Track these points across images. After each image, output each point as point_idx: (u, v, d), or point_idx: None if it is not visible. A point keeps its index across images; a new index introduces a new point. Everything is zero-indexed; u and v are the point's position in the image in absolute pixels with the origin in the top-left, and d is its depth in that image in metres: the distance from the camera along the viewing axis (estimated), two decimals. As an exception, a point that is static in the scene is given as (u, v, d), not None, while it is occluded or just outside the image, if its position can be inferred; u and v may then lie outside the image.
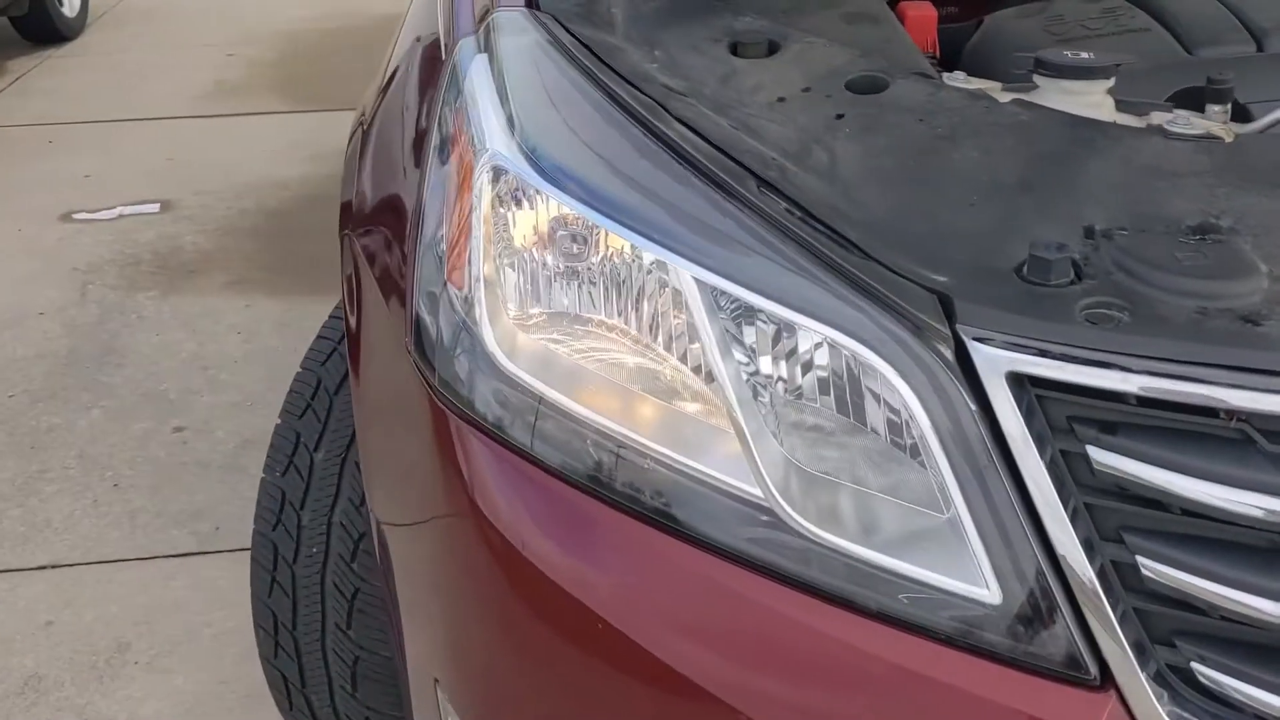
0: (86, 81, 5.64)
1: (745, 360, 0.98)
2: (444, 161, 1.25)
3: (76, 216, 4.16)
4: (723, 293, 0.99)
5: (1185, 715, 0.85)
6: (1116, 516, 0.87)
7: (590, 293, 1.08)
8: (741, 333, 0.98)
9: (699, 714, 0.98)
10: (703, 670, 0.98)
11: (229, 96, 5.37)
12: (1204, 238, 0.94)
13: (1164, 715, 0.85)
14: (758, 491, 0.96)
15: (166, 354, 3.28)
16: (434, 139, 1.30)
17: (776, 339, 0.97)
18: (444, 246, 1.18)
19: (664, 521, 0.98)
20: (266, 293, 3.58)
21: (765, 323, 0.97)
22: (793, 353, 0.97)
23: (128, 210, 4.18)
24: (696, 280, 1.00)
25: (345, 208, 1.54)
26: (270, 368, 3.19)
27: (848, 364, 0.94)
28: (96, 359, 3.26)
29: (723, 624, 0.98)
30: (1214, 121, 1.14)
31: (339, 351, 1.63)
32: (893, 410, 0.92)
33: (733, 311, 0.99)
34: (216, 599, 2.37)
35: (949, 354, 0.89)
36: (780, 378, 0.97)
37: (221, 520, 2.60)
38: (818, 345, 0.95)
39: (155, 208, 4.20)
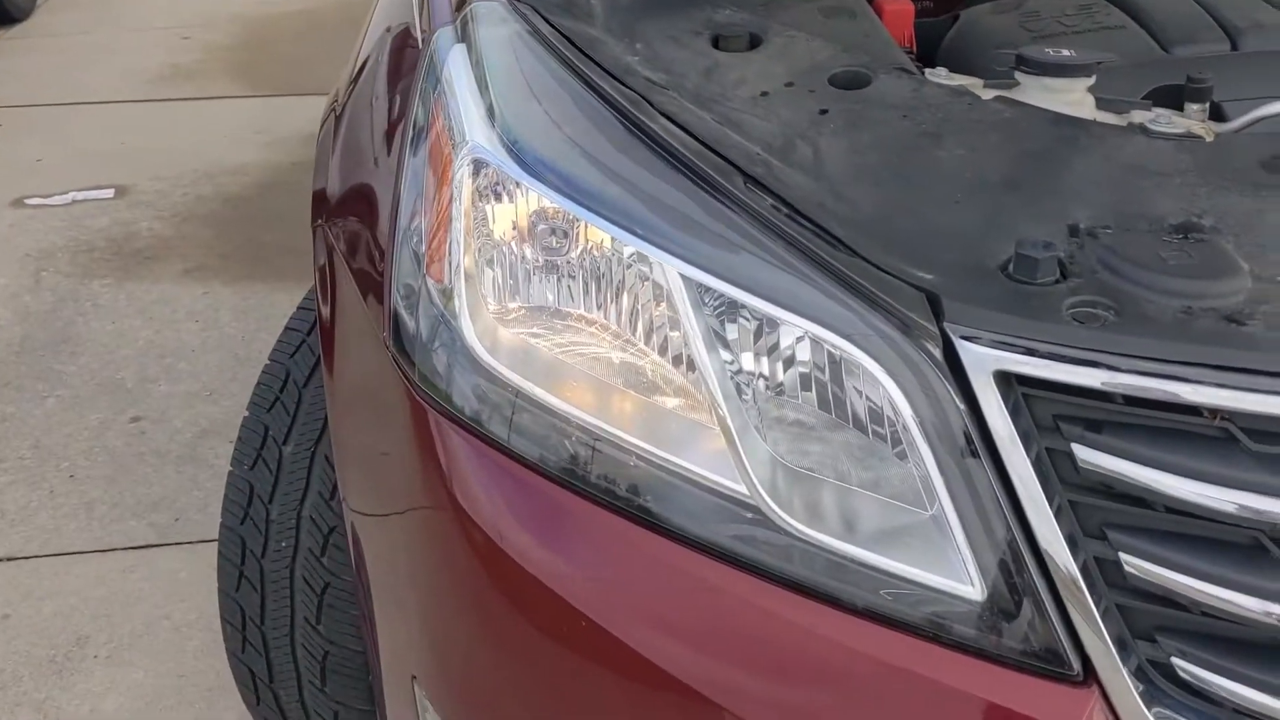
0: (37, 64, 5.52)
1: (729, 356, 0.98)
2: (420, 152, 1.23)
3: (29, 202, 4.08)
4: (708, 288, 0.99)
5: (1166, 710, 0.86)
6: (1100, 513, 0.87)
7: (570, 287, 1.07)
8: (725, 328, 0.98)
9: (680, 709, 0.98)
10: (684, 666, 0.97)
11: (185, 80, 5.28)
12: (1187, 237, 0.94)
13: (1145, 710, 0.85)
14: (743, 488, 0.96)
15: (123, 342, 3.22)
16: (409, 129, 1.28)
17: (759, 334, 0.97)
18: (422, 239, 1.16)
19: (644, 517, 0.97)
20: (224, 280, 3.53)
21: (748, 318, 0.97)
22: (775, 349, 0.97)
23: (81, 195, 4.10)
24: (683, 276, 0.99)
25: (317, 197, 1.52)
26: (229, 356, 3.14)
27: (830, 360, 0.94)
28: (51, 347, 3.20)
29: (704, 620, 0.98)
30: (1194, 120, 1.15)
31: (308, 344, 1.61)
32: (876, 407, 0.92)
33: (717, 307, 0.99)
34: (176, 591, 2.34)
35: (938, 352, 0.90)
36: (763, 374, 0.97)
37: (180, 511, 2.57)
38: (800, 341, 0.95)
39: (110, 193, 4.12)
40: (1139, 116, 1.14)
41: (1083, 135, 1.08)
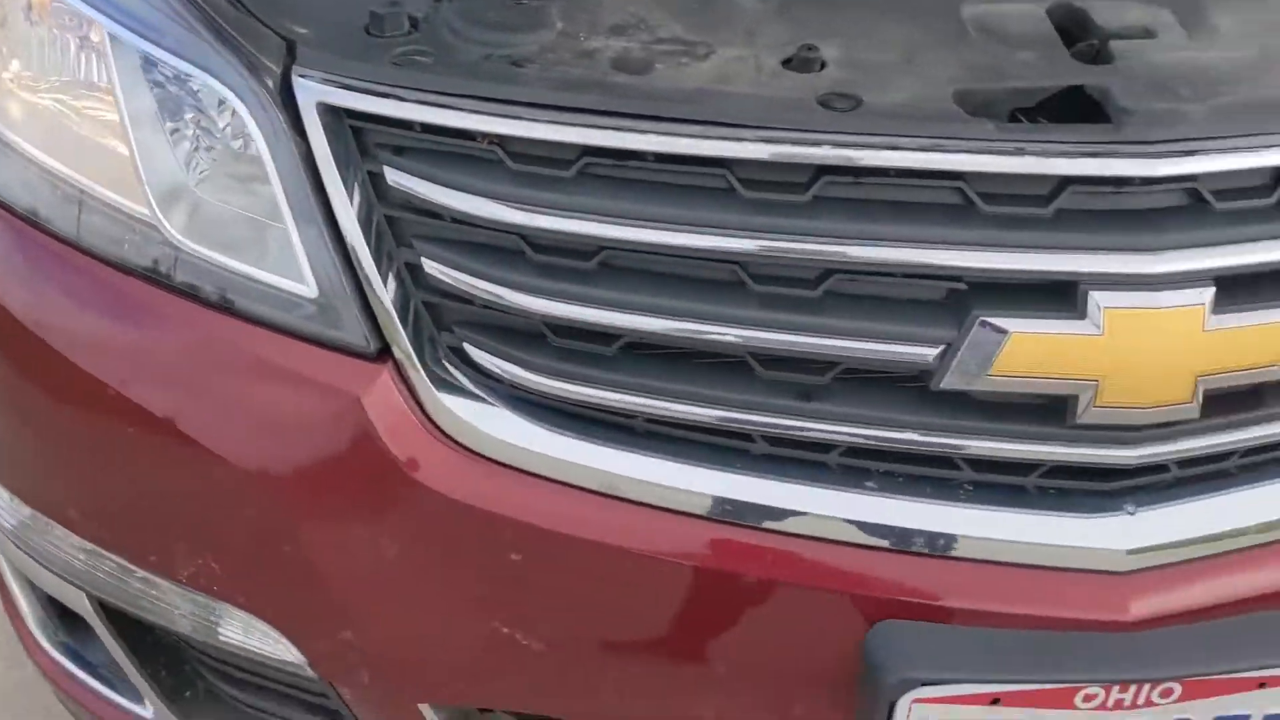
0: None
1: (153, 106, 1.13)
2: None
3: None
4: (144, 53, 1.14)
5: (454, 380, 1.05)
6: (408, 226, 1.05)
7: (82, 59, 1.21)
8: (151, 85, 1.14)
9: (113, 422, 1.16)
10: (112, 372, 1.16)
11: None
12: (525, 3, 1.11)
13: (430, 385, 1.05)
14: (148, 212, 1.12)
15: None
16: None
17: (176, 83, 1.12)
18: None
19: (53, 232, 1.17)
20: None
21: (169, 74, 1.12)
22: (192, 94, 1.12)
23: None
24: (111, 36, 1.14)
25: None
26: None
27: (217, 104, 1.10)
28: None
29: (129, 330, 1.17)
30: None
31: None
32: (249, 143, 1.09)
33: (148, 68, 1.14)
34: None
35: (275, 86, 1.06)
36: (180, 119, 1.13)
37: None
38: (195, 86, 1.11)
39: None
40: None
41: None
